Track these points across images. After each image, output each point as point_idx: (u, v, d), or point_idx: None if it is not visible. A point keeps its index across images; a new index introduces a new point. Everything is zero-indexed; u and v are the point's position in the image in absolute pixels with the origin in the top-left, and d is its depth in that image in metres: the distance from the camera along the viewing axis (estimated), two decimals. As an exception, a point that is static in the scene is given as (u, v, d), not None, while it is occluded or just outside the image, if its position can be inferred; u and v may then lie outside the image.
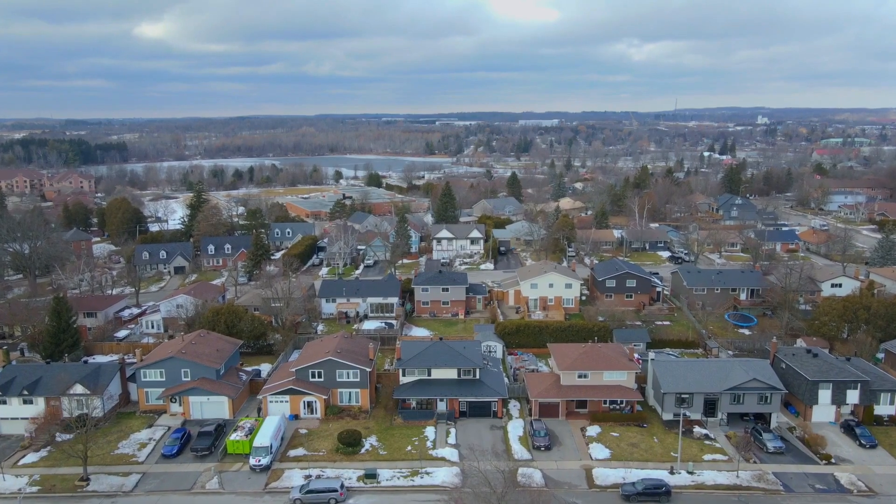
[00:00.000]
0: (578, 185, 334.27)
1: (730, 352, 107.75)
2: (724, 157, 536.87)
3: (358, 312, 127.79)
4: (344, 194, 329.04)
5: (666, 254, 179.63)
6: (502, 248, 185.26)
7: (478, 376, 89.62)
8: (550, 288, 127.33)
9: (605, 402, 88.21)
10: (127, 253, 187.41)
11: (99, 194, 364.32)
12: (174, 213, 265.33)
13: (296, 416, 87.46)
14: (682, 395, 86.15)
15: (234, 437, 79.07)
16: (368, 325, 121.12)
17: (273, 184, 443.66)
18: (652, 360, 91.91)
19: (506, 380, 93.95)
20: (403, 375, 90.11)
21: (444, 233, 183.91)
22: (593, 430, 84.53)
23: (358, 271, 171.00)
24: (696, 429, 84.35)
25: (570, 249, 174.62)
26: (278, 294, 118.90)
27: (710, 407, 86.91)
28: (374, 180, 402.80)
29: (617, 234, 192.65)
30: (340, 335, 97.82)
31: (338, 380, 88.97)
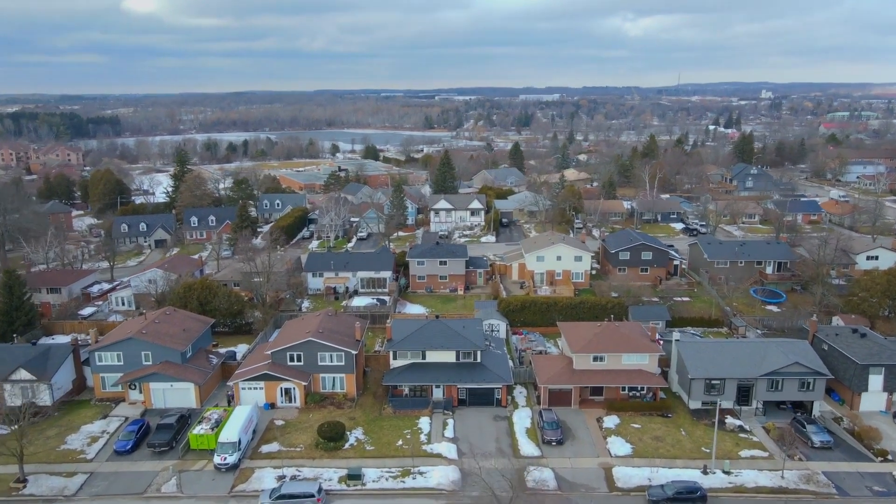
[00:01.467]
0: (582, 157, 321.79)
1: (758, 330, 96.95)
2: (729, 130, 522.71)
3: (347, 288, 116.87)
4: (339, 167, 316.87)
5: (679, 225, 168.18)
6: (504, 220, 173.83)
7: (479, 359, 78.91)
8: (558, 261, 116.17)
9: (623, 388, 77.55)
10: (107, 226, 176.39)
11: (87, 167, 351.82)
12: (160, 185, 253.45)
13: (272, 405, 76.85)
14: (713, 381, 75.43)
15: (197, 430, 68.48)
16: (358, 302, 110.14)
17: (268, 157, 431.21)
18: (677, 341, 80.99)
19: (510, 363, 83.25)
20: (394, 359, 79.38)
21: (443, 203, 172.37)
22: (611, 420, 73.94)
23: (350, 244, 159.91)
24: (729, 419, 73.72)
25: (577, 221, 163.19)
26: (258, 268, 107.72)
27: (744, 394, 76.23)
28: (371, 153, 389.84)
29: (626, 205, 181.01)
30: (324, 313, 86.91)
31: (319, 363, 78.22)
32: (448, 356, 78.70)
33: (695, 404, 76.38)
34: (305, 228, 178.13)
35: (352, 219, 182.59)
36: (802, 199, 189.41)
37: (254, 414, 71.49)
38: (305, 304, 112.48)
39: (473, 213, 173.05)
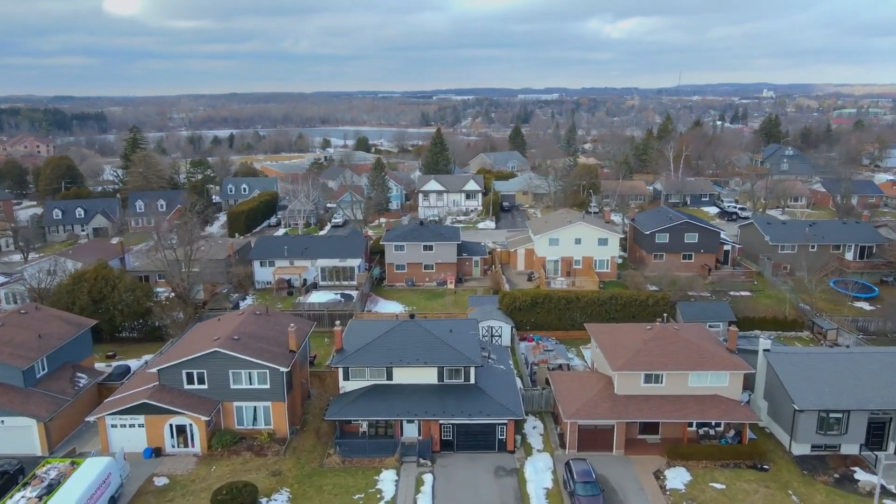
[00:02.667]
0: (588, 147, 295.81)
1: (853, 336, 70.78)
2: (737, 125, 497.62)
3: (305, 280, 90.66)
4: (325, 157, 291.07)
5: (713, 209, 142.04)
6: (506, 204, 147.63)
7: (473, 380, 52.80)
8: (577, 245, 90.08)
9: (691, 424, 51.47)
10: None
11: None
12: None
13: (157, 452, 50.58)
14: (831, 415, 49.27)
15: (17, 498, 42.22)
16: (318, 298, 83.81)
17: (254, 151, 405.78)
18: (766, 351, 54.65)
19: (519, 383, 57.02)
20: (345, 379, 53.14)
21: (433, 185, 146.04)
22: (677, 476, 47.71)
23: (323, 232, 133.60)
24: (861, 475, 47.60)
25: (592, 204, 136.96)
26: (178, 255, 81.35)
27: (876, 433, 50.19)
28: (363, 145, 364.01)
29: (649, 188, 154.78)
30: (249, 311, 60.52)
31: (232, 386, 52.01)
32: (427, 375, 52.64)
33: (801, 448, 50.24)
34: (274, 216, 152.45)
35: (328, 204, 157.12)
36: (856, 179, 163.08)
37: (114, 469, 45.12)
38: (247, 300, 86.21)
39: (469, 195, 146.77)
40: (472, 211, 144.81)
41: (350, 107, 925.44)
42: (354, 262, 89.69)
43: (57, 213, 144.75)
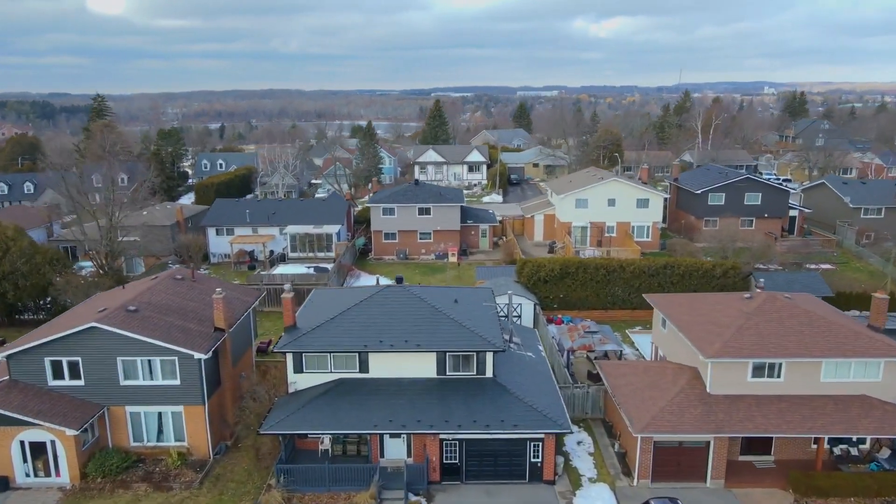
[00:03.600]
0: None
1: None
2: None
3: (272, 252, 72.70)
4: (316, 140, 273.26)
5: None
6: (514, 177, 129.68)
7: (489, 371, 34.98)
8: (610, 208, 72.28)
9: (825, 440, 33.69)
10: None
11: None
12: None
13: (1, 483, 32.74)
14: None
15: None
16: (286, 271, 65.83)
17: (245, 141, 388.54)
18: (927, 329, 36.83)
19: (553, 377, 39.05)
20: (298, 371, 35.24)
21: (431, 155, 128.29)
22: (819, 525, 29.95)
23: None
24: None
25: (616, 171, 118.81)
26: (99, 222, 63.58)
27: None
28: (357, 133, 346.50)
29: (676, 161, 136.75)
30: (166, 276, 42.61)
31: (124, 382, 34.17)
32: (420, 365, 34.82)
33: None
34: (252, 193, 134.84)
35: (312, 180, 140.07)
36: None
37: None
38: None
39: (472, 168, 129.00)
40: (475, 185, 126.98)
41: (347, 101, 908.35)
42: (332, 229, 71.63)
43: (1, 188, 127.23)
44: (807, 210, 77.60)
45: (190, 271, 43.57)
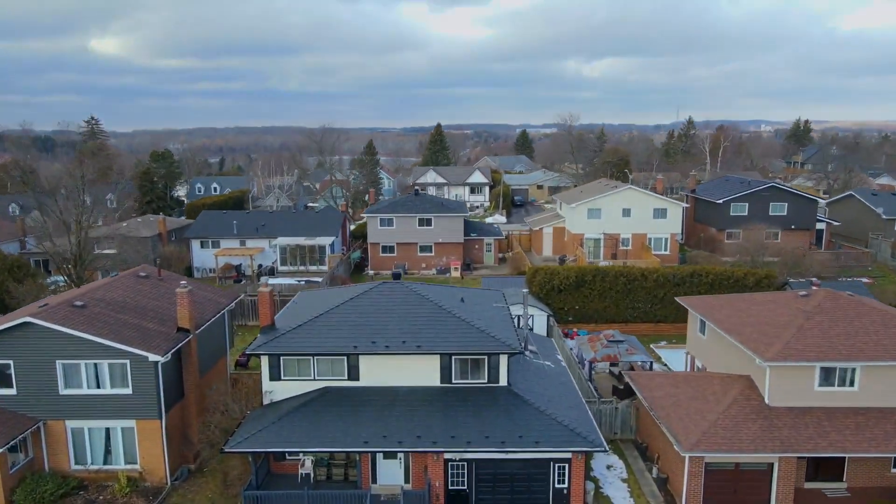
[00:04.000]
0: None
1: None
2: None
3: (261, 266, 67.26)
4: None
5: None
6: (518, 198, 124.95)
7: (504, 379, 29.27)
8: (625, 218, 67.11)
9: (912, 460, 27.86)
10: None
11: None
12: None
13: None
14: None
15: None
16: (274, 282, 60.25)
17: (245, 173, 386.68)
18: None
19: (577, 388, 33.25)
20: (274, 378, 29.52)
21: (432, 176, 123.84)
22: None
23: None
24: None
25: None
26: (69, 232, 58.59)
27: None
28: (358, 164, 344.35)
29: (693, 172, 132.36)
30: (129, 273, 37.14)
31: (64, 391, 28.47)
32: (421, 371, 29.15)
33: None
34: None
35: (309, 203, 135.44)
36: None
37: None
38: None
39: (474, 189, 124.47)
40: (477, 206, 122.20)
41: (347, 137, 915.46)
42: (325, 241, 66.26)
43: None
44: (835, 223, 72.43)
45: (157, 269, 38.03)
